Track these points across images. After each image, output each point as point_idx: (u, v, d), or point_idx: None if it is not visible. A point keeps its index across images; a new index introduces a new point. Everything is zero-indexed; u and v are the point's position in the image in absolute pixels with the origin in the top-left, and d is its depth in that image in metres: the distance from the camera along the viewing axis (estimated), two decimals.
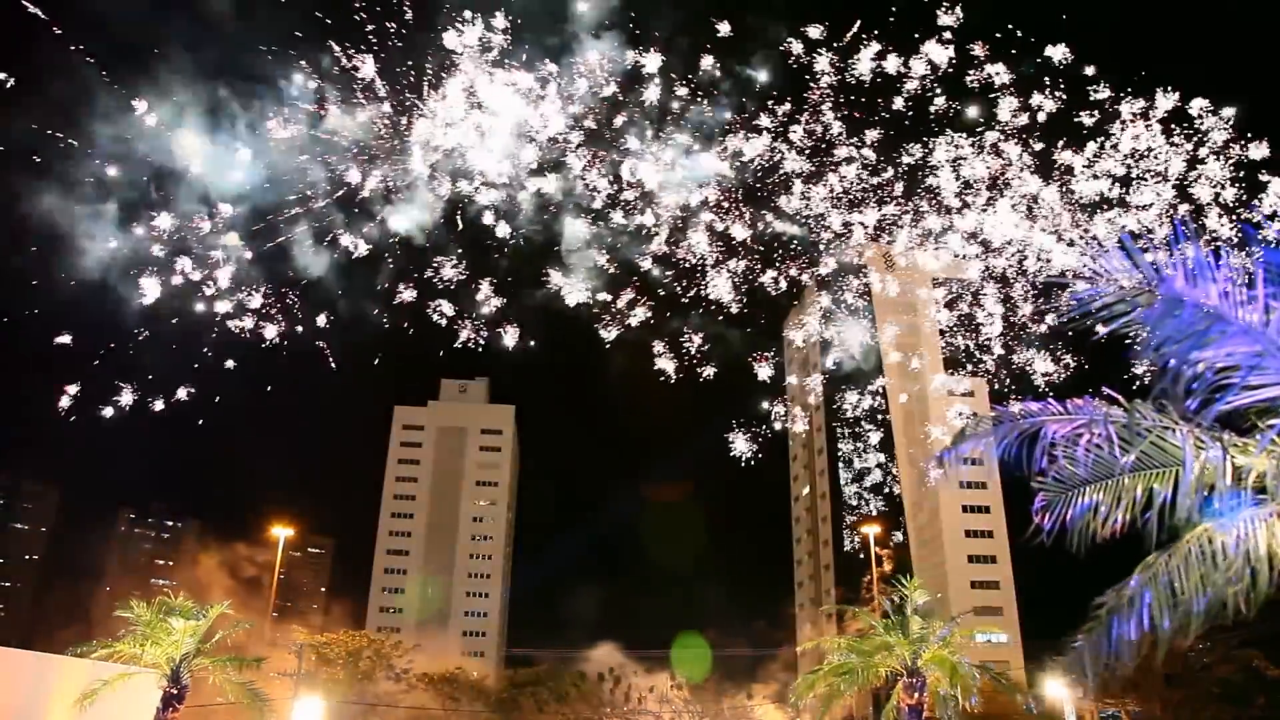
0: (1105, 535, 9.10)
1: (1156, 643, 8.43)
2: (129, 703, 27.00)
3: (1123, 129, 44.74)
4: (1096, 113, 45.21)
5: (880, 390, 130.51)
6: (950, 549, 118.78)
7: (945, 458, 9.94)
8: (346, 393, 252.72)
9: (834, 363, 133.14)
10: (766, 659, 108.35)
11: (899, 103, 47.49)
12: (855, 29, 46.37)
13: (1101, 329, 8.49)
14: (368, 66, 41.97)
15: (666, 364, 50.33)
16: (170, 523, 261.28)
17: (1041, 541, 9.37)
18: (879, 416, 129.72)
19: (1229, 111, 44.18)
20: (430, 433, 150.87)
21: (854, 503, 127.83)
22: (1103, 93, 45.27)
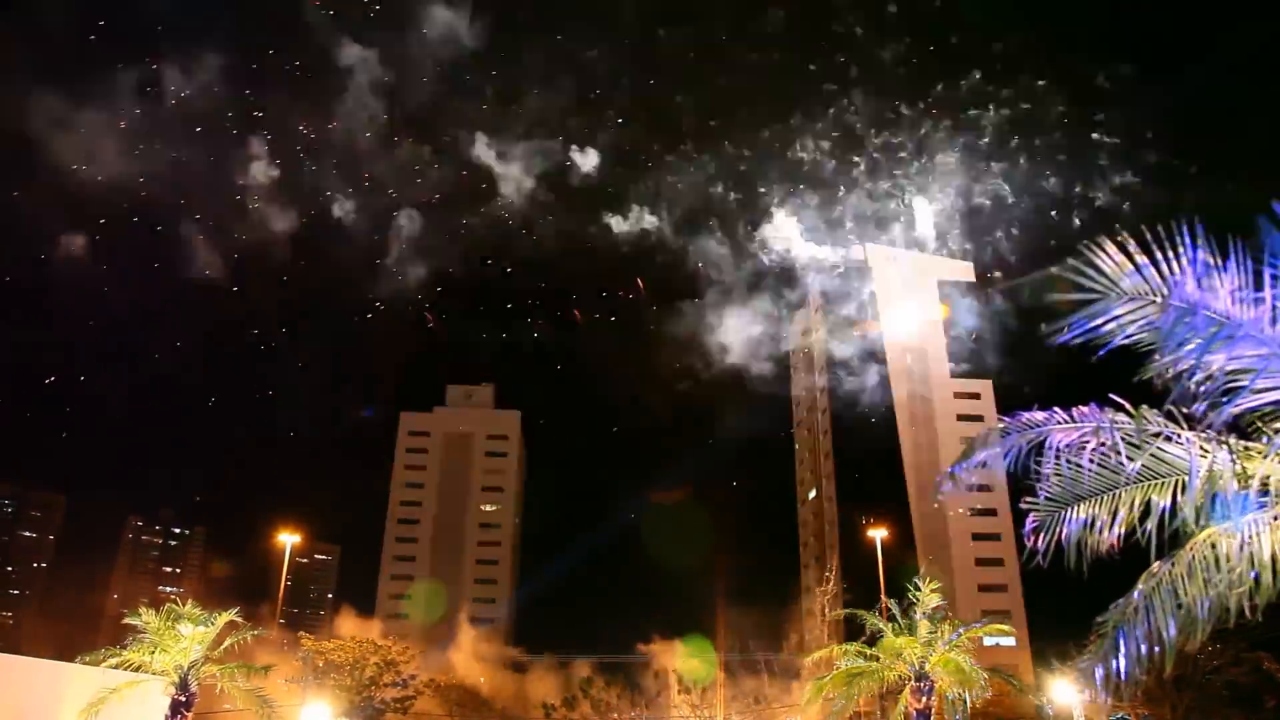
0: (1104, 550, 9.10)
1: (1165, 653, 8.42)
2: (137, 710, 27.07)
3: None
4: None
5: (886, 391, 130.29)
6: (957, 552, 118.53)
7: (955, 472, 9.95)
8: (352, 399, 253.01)
9: (839, 365, 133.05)
10: (773, 662, 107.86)
11: None
12: None
13: (1106, 343, 8.49)
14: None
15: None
16: (178, 530, 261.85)
17: (1047, 553, 9.36)
18: (885, 419, 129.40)
19: None
20: (436, 439, 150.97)
21: (860, 506, 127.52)
22: None
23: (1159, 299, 8.28)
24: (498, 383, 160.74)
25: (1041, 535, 9.43)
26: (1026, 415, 9.46)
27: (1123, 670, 8.52)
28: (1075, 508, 9.35)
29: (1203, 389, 8.09)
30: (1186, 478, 8.41)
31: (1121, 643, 8.56)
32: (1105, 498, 9.27)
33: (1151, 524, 8.76)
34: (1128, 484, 9.15)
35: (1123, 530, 9.02)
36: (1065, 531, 9.27)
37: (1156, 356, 8.21)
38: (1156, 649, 8.39)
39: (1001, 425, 9.61)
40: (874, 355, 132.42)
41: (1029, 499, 9.55)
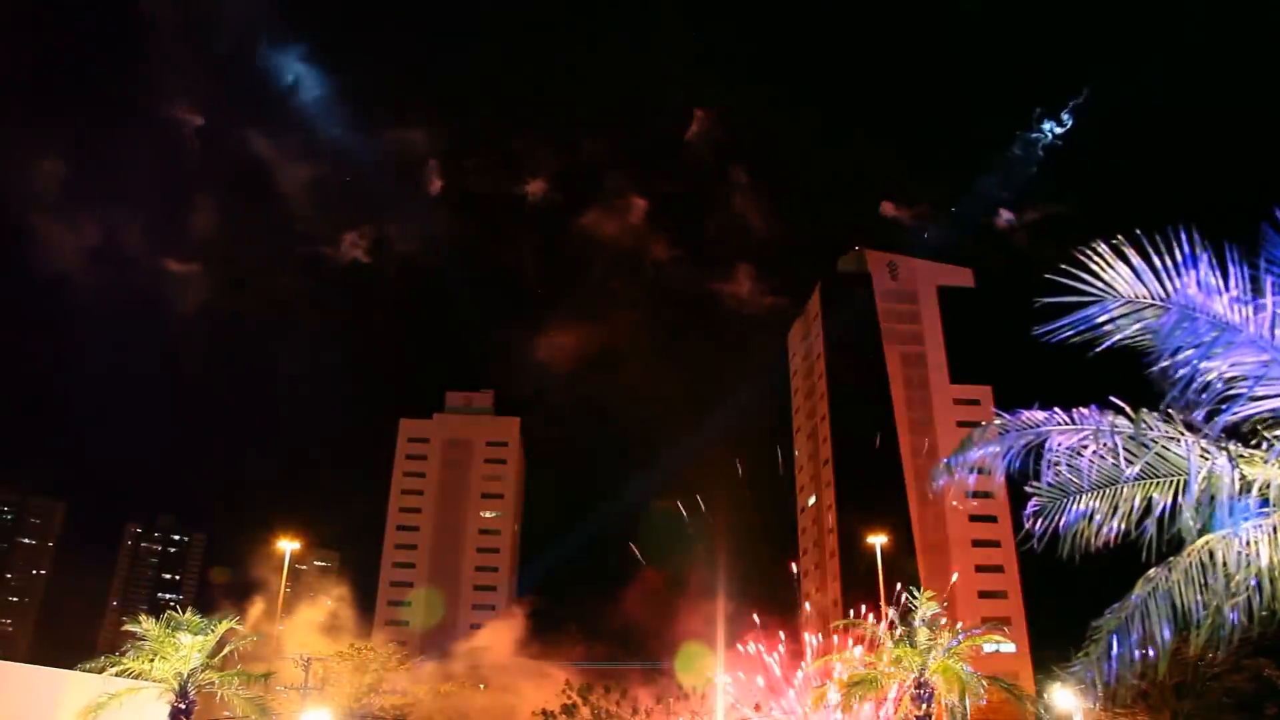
0: (1099, 545, 9.07)
1: (1160, 657, 8.40)
2: (137, 718, 27.01)
3: None
4: None
5: (886, 397, 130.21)
6: (958, 558, 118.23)
7: (951, 464, 9.88)
8: (352, 406, 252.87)
9: (838, 370, 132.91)
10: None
11: None
12: None
13: (1106, 343, 8.46)
14: None
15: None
16: (177, 537, 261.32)
17: (1049, 551, 9.33)
18: (884, 424, 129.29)
19: None
20: (436, 445, 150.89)
21: (860, 512, 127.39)
22: None
23: (1158, 303, 8.26)
24: (497, 389, 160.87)
25: (1041, 519, 9.38)
26: (1026, 414, 9.38)
27: (1114, 674, 8.50)
28: (1078, 498, 9.31)
29: (1201, 395, 8.07)
30: (1187, 478, 8.38)
31: (1115, 647, 8.54)
32: (1107, 491, 9.22)
33: (1151, 522, 8.72)
34: (1129, 480, 9.11)
35: (1122, 526, 8.98)
36: (1064, 520, 9.23)
37: (1155, 360, 8.18)
38: (1151, 653, 8.37)
39: (1000, 423, 9.52)
40: (874, 360, 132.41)
41: (1034, 484, 9.48)
